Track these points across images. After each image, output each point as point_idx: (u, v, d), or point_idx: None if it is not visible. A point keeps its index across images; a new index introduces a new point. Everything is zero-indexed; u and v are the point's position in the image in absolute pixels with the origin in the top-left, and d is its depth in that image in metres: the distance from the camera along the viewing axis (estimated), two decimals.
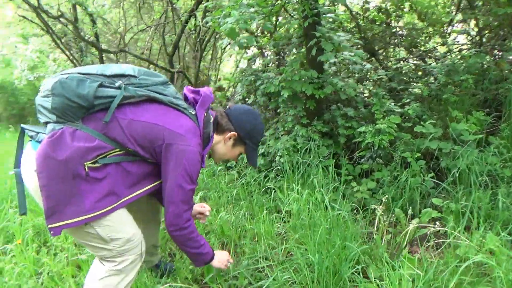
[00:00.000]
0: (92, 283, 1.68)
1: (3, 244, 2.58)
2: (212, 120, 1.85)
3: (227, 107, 1.98)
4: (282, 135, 3.60)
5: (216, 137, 1.90)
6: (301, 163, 3.11)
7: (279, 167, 3.29)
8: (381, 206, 2.14)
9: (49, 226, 1.50)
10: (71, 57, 5.66)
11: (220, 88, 4.85)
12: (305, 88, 3.14)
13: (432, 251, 2.30)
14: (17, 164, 1.65)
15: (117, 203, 1.63)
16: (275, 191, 2.83)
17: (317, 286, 1.87)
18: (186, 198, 1.70)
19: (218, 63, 5.74)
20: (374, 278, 2.02)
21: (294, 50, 3.60)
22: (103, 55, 5.30)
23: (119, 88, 1.58)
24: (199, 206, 2.12)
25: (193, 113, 1.75)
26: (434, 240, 2.35)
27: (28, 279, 2.19)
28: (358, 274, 2.02)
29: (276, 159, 3.38)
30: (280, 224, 2.65)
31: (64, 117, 1.54)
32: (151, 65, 5.49)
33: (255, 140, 1.95)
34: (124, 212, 1.71)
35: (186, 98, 1.86)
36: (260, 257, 2.28)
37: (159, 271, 2.25)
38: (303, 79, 3.20)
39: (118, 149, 1.61)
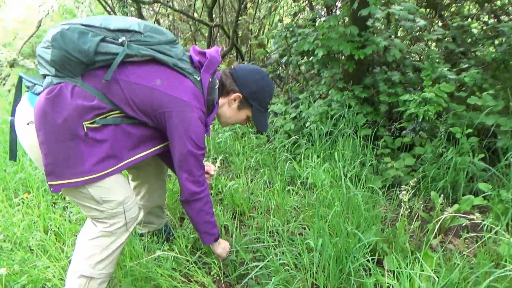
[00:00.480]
0: (82, 242, 1.65)
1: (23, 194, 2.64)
2: (217, 86, 1.71)
3: (232, 66, 1.78)
4: (317, 99, 3.29)
5: (221, 100, 1.76)
6: (330, 132, 2.81)
7: (309, 134, 3.02)
8: (404, 192, 1.82)
9: (49, 183, 1.48)
10: (107, 8, 5.58)
11: (261, 45, 4.55)
12: (343, 47, 2.77)
13: (465, 246, 1.98)
14: (14, 113, 1.61)
15: (117, 166, 1.57)
16: (290, 162, 2.58)
17: (316, 274, 1.65)
18: (198, 163, 1.63)
19: (261, 17, 5.36)
20: (389, 271, 1.76)
21: (339, 3, 3.18)
22: (141, 6, 5.14)
23: (122, 44, 1.46)
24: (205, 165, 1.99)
25: (198, 78, 1.61)
26: (470, 233, 2.01)
27: (38, 232, 2.20)
28: (374, 263, 1.78)
29: (306, 125, 3.11)
30: (298, 198, 2.42)
31: (63, 71, 1.45)
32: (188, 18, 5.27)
33: (263, 102, 1.78)
34: (119, 175, 1.63)
35: (192, 60, 1.68)
36: (269, 232, 2.10)
37: (161, 236, 2.17)
38: (341, 37, 2.82)
39: (118, 111, 1.52)
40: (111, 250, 1.64)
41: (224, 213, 2.33)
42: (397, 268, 1.53)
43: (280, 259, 1.70)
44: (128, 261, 1.75)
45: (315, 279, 1.66)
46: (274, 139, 3.30)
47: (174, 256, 1.88)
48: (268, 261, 1.64)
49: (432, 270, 1.42)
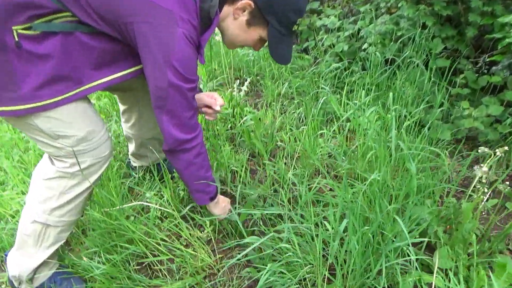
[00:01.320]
0: (37, 182, 1.30)
1: None
2: None
3: None
4: (383, 14, 2.54)
5: (226, 8, 1.22)
6: (391, 60, 2.14)
7: (365, 60, 2.36)
8: (482, 166, 1.22)
9: None
10: None
11: None
12: None
13: None
14: None
15: (74, 92, 1.15)
16: (328, 96, 1.99)
17: (336, 265, 1.19)
18: (185, 101, 1.16)
19: None
20: (440, 269, 1.26)
21: None
22: None
23: None
24: (207, 96, 1.45)
25: None
26: None
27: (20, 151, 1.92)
28: (421, 249, 1.29)
29: (363, 48, 2.43)
30: (334, 145, 1.88)
31: None
32: None
33: (284, 20, 1.20)
34: (82, 102, 1.21)
35: None
36: (286, 189, 1.62)
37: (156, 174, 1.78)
38: None
39: (68, 13, 1.04)
40: (72, 196, 1.27)
41: (235, 154, 1.87)
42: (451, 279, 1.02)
43: (286, 237, 1.24)
44: (97, 209, 1.38)
45: (335, 273, 1.20)
46: (322, 61, 2.68)
47: (161, 205, 1.50)
48: (268, 238, 1.18)
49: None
